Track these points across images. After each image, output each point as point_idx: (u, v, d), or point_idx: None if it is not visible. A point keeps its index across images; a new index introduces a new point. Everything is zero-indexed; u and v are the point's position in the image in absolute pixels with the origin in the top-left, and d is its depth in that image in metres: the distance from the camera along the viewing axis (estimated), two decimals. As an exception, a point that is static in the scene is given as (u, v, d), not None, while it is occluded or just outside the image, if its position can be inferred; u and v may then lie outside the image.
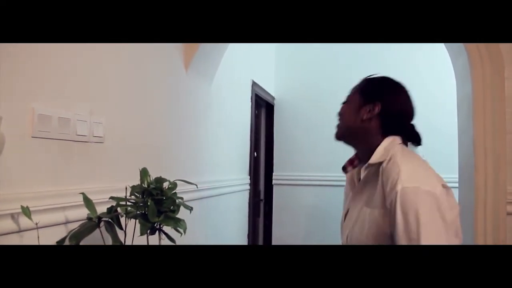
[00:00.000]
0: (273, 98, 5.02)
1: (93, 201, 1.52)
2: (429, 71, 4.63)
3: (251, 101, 4.12)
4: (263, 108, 5.00)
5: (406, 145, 1.46)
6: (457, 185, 2.50)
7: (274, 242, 5.05)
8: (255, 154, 4.54)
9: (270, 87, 4.91)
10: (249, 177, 4.14)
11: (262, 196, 4.95)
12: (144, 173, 1.53)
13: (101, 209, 1.55)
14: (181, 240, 1.64)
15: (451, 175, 2.98)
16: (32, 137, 1.42)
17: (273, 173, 5.07)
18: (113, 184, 1.79)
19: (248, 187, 4.12)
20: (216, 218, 3.21)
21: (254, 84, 4.18)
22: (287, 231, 4.99)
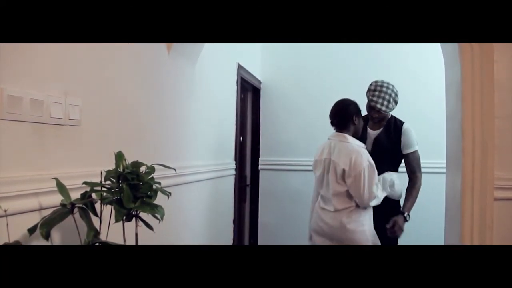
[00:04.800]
0: (260, 82, 4.96)
1: (69, 187, 1.45)
2: (416, 56, 4.59)
3: (237, 85, 4.05)
4: (249, 92, 4.93)
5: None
6: (444, 170, 2.47)
7: (260, 227, 5.03)
8: (241, 139, 4.49)
9: (257, 71, 4.84)
10: (234, 162, 4.09)
11: (248, 182, 4.90)
12: (119, 157, 1.47)
13: (76, 195, 1.48)
14: (160, 227, 1.59)
15: (439, 160, 2.96)
16: (1, 119, 1.35)
17: (260, 158, 5.03)
18: (90, 169, 1.71)
19: (233, 172, 4.07)
20: (199, 204, 3.16)
21: (240, 67, 4.10)
22: (273, 217, 4.97)
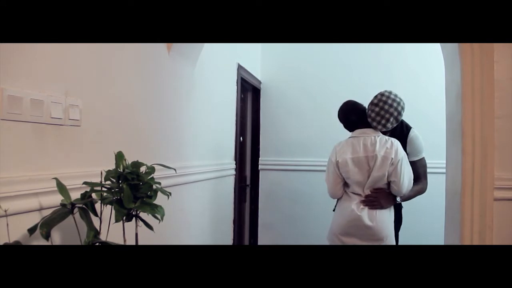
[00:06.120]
0: (260, 82, 4.96)
1: (69, 187, 1.45)
2: (416, 57, 4.59)
3: (237, 85, 4.05)
4: (249, 92, 4.93)
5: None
6: (444, 170, 2.47)
7: (260, 228, 5.03)
8: (241, 139, 4.49)
9: (257, 71, 4.84)
10: (234, 162, 4.09)
11: (248, 182, 4.90)
12: (119, 157, 1.47)
13: (77, 195, 1.48)
14: (160, 227, 1.59)
15: (439, 160, 2.96)
16: (1, 119, 1.35)
17: (259, 158, 5.03)
18: (90, 169, 1.72)
19: (233, 172, 4.07)
20: (199, 204, 3.16)
21: (240, 67, 4.10)
22: (273, 217, 4.97)
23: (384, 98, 2.67)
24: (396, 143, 2.65)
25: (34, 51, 1.47)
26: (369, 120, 2.73)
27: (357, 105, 2.84)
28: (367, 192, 2.67)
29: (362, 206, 2.65)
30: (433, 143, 3.60)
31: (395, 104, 2.66)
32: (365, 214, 2.63)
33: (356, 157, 2.67)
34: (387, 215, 2.67)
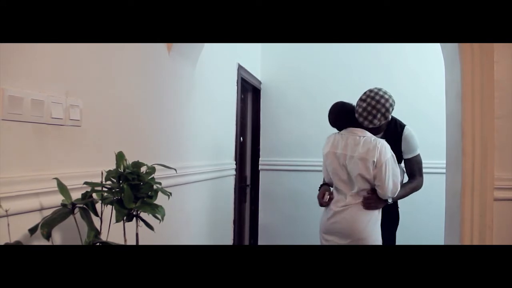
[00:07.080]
0: (260, 82, 4.96)
1: (69, 187, 1.45)
2: (416, 57, 4.59)
3: (237, 85, 4.05)
4: (249, 93, 4.93)
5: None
6: (444, 170, 2.47)
7: (261, 228, 5.04)
8: (241, 139, 4.49)
9: (257, 71, 4.84)
10: (235, 162, 4.09)
11: (248, 182, 4.90)
12: (120, 157, 1.47)
13: (77, 195, 1.48)
14: (161, 227, 1.59)
15: (439, 160, 2.96)
16: (2, 119, 1.35)
17: (260, 159, 5.03)
18: (90, 169, 1.72)
19: (234, 172, 4.07)
20: (199, 205, 3.16)
21: (240, 67, 4.11)
22: (273, 217, 4.97)
23: (372, 94, 2.64)
24: (381, 144, 2.55)
25: (34, 51, 1.47)
26: (356, 115, 2.68)
27: (345, 106, 2.78)
28: (354, 192, 2.62)
29: (342, 204, 2.64)
30: (433, 143, 3.61)
31: (382, 101, 2.61)
32: (340, 211, 2.63)
33: (340, 153, 2.66)
34: (366, 216, 2.60)
